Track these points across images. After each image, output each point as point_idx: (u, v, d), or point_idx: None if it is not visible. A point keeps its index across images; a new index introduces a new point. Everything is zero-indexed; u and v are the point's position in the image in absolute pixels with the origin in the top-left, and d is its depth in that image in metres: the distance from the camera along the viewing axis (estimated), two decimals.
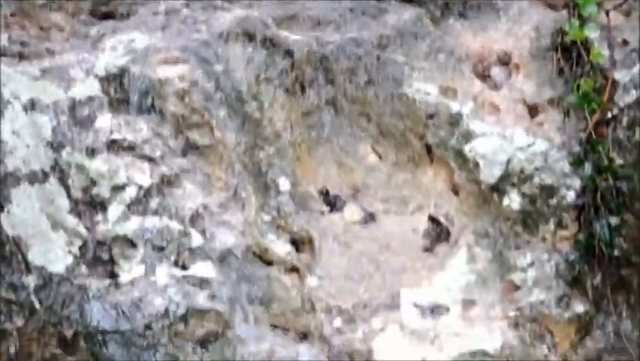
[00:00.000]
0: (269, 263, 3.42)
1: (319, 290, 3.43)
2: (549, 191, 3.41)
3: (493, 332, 3.37)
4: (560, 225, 3.41)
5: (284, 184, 3.48)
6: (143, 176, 3.35)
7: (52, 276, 3.17)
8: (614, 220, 3.33)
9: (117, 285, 3.25)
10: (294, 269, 3.44)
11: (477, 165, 3.45)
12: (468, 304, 3.42)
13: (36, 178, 3.21)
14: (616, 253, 3.33)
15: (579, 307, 3.38)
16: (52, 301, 3.15)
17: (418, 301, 3.43)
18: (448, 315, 3.41)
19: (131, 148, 3.34)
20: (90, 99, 3.35)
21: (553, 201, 3.41)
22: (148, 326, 3.22)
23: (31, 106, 3.26)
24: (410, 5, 3.68)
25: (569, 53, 3.54)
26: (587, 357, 3.36)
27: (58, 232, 3.22)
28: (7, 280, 3.09)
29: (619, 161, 3.35)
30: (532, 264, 3.41)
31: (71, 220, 3.24)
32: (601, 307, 3.38)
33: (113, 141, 3.33)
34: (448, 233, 3.52)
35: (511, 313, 3.39)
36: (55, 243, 3.20)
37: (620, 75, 3.43)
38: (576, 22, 3.50)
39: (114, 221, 3.29)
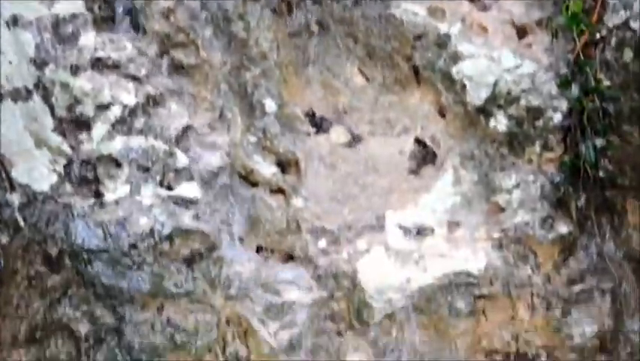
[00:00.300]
0: (254, 184, 3.42)
1: (304, 211, 3.43)
2: (536, 113, 3.39)
3: (478, 253, 3.39)
4: (545, 147, 3.40)
5: (270, 105, 3.46)
6: (128, 95, 3.33)
7: (37, 194, 3.16)
8: (599, 142, 3.32)
9: (102, 204, 3.25)
10: (279, 190, 3.44)
11: (464, 86, 3.43)
12: (453, 225, 3.43)
13: (19, 95, 3.19)
14: (601, 174, 3.33)
15: (563, 229, 3.39)
16: (37, 219, 3.15)
17: (403, 223, 3.43)
18: (432, 236, 3.42)
19: (115, 67, 3.32)
20: (74, 16, 3.31)
21: (540, 123, 3.39)
22: (133, 246, 3.23)
23: (14, 22, 3.22)
24: None
25: None
26: (570, 278, 3.38)
27: (42, 150, 3.20)
28: None
29: (606, 82, 3.33)
30: (517, 186, 3.41)
31: (55, 139, 3.23)
32: (585, 229, 3.39)
33: (98, 59, 3.30)
34: (434, 155, 3.51)
35: (496, 235, 3.40)
36: (40, 161, 3.19)
37: None
38: None
39: (99, 140, 3.28)
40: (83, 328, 3.15)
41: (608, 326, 3.36)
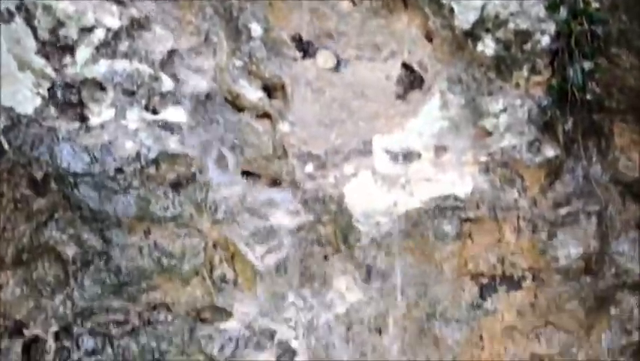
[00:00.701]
0: (240, 109, 3.40)
1: (291, 136, 3.42)
2: (523, 36, 3.37)
3: (464, 177, 3.39)
4: (533, 70, 3.39)
5: (256, 29, 3.42)
6: (112, 18, 3.29)
7: (21, 117, 3.14)
8: (587, 65, 3.31)
9: (87, 128, 3.22)
10: (265, 115, 3.42)
11: (452, 10, 3.41)
12: (440, 149, 3.43)
13: (1, 17, 3.14)
14: (588, 97, 3.33)
15: (550, 152, 3.39)
16: (22, 142, 3.13)
17: (390, 147, 3.43)
18: (419, 161, 3.42)
19: None
20: None
21: (528, 47, 3.38)
22: (119, 170, 3.22)
23: None
24: None
25: None
26: (556, 201, 3.39)
27: (25, 72, 3.17)
28: None
29: (595, 4, 3.31)
30: (504, 110, 3.40)
31: (38, 61, 3.19)
32: (571, 152, 3.39)
33: None
34: (422, 80, 3.50)
35: (483, 159, 3.40)
36: (23, 84, 3.16)
37: None
38: None
39: (82, 64, 3.24)
40: (70, 251, 3.15)
41: (593, 248, 3.38)
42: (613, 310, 3.38)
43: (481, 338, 3.37)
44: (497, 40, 3.39)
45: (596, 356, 3.37)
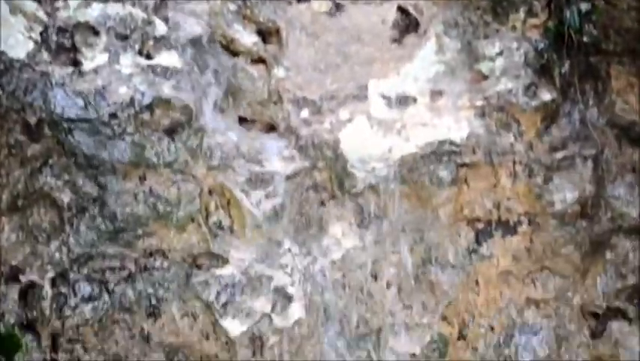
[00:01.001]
0: (235, 54, 3.37)
1: (286, 81, 3.40)
2: None
3: (460, 121, 3.38)
4: (530, 12, 3.37)
5: None
6: None
7: (13, 61, 3.10)
8: (584, 6, 3.29)
9: (81, 73, 3.19)
10: (260, 60, 3.40)
11: None
12: (435, 94, 3.41)
13: None
14: (585, 40, 3.31)
15: (546, 96, 3.38)
16: (15, 87, 3.09)
17: (386, 92, 3.41)
18: (415, 105, 3.41)
19: None
20: None
21: None
22: (113, 115, 3.19)
23: None
24: None
25: None
26: (552, 145, 3.39)
27: (17, 16, 3.12)
28: None
29: None
30: (500, 53, 3.38)
31: (31, 5, 3.14)
32: (568, 96, 3.38)
33: None
34: (417, 24, 3.47)
35: (479, 103, 3.39)
36: (15, 28, 3.11)
37: None
38: None
39: (75, 7, 3.20)
40: (65, 197, 3.13)
41: (589, 192, 3.38)
42: (608, 254, 3.40)
43: (476, 282, 3.38)
44: None
45: (591, 300, 3.39)
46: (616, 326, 3.37)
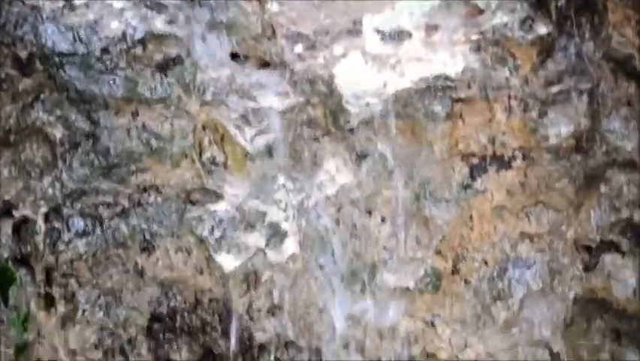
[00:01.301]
0: None
1: (280, 16, 3.37)
2: None
3: (455, 56, 3.35)
4: None
5: None
6: None
7: None
8: None
9: (72, 7, 3.17)
10: None
11: None
12: (430, 28, 3.38)
13: None
14: None
15: (542, 29, 3.35)
16: (5, 20, 3.07)
17: (380, 27, 3.38)
18: (410, 40, 3.38)
19: None
20: None
21: None
22: (105, 50, 3.17)
23: None
24: None
25: None
26: (548, 79, 3.36)
27: None
28: None
29: None
30: None
31: None
32: (564, 29, 3.35)
33: None
34: None
35: (474, 37, 3.36)
36: None
37: None
38: None
39: None
40: (58, 132, 3.12)
41: (584, 126, 3.37)
42: (603, 188, 3.39)
43: (470, 217, 3.38)
44: None
45: (584, 234, 3.39)
46: (609, 258, 3.37)
